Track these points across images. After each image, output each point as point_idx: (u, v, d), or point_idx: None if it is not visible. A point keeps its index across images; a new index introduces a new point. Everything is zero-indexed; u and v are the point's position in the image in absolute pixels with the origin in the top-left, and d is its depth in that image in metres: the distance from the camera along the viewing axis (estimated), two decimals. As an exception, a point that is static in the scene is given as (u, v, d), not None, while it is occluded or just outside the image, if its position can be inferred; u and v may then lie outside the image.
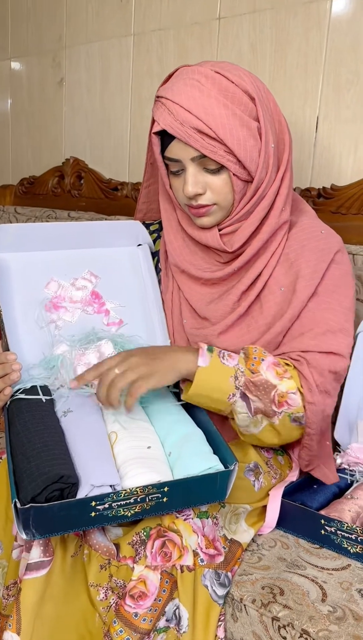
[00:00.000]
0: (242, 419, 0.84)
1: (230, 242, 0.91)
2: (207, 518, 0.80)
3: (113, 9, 1.65)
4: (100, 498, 0.68)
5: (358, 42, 1.22)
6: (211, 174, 0.86)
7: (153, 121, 0.88)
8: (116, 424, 0.81)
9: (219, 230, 0.92)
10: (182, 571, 0.75)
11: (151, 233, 1.05)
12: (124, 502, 0.70)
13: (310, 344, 0.87)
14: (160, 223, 1.05)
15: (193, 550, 0.76)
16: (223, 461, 0.77)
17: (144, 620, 0.72)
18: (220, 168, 0.85)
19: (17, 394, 0.82)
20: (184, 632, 0.75)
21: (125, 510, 0.70)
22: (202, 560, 0.77)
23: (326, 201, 1.29)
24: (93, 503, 0.68)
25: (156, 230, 1.06)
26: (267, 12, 1.35)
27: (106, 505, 0.69)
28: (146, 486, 0.70)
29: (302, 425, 0.87)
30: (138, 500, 0.70)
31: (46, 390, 0.84)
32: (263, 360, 0.84)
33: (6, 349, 0.86)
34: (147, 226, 1.06)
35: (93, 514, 0.69)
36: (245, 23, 1.39)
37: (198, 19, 1.47)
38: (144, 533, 0.75)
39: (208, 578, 0.76)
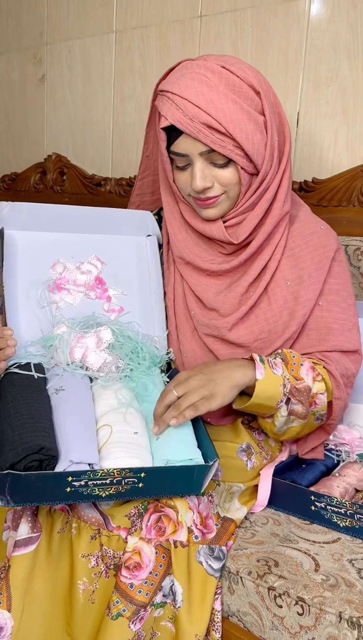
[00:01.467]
0: (281, 421, 0.89)
1: (235, 234, 0.94)
2: (203, 495, 0.83)
3: (95, 5, 1.67)
4: (77, 474, 0.70)
5: (336, 40, 1.27)
6: (219, 168, 0.88)
7: (159, 116, 0.89)
8: (107, 407, 0.83)
9: (224, 222, 0.94)
10: (176, 547, 0.77)
11: None
12: (100, 481, 0.71)
13: (332, 345, 0.93)
14: (158, 213, 1.07)
15: (188, 527, 0.79)
16: (204, 457, 0.79)
17: (139, 592, 0.75)
18: (228, 162, 0.87)
19: (11, 368, 0.84)
20: (179, 606, 0.77)
21: (100, 490, 0.72)
22: (196, 537, 0.79)
23: (308, 194, 1.34)
24: (70, 478, 0.70)
25: (156, 220, 1.08)
26: (248, 10, 1.39)
27: (82, 483, 0.71)
28: (124, 469, 0.72)
29: (322, 422, 0.95)
30: (114, 482, 0.72)
31: (40, 367, 0.86)
32: (302, 365, 0.89)
33: (5, 325, 0.88)
34: None
35: (68, 489, 0.71)
36: (226, 21, 1.43)
37: (180, 16, 1.51)
38: (143, 507, 0.78)
39: (202, 554, 0.79)
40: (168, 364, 0.99)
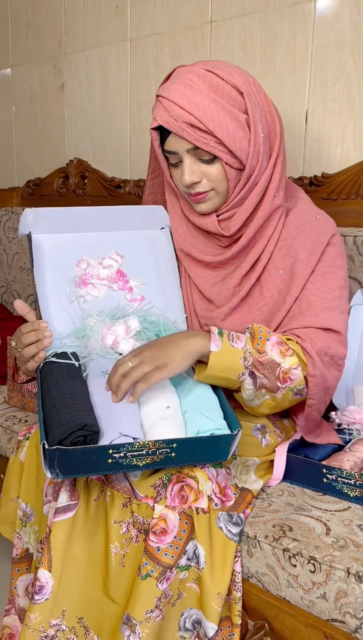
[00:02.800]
0: (248, 394, 0.94)
1: (227, 227, 1.01)
2: (221, 467, 0.92)
3: (109, 16, 1.77)
4: (117, 447, 0.79)
5: (341, 39, 1.34)
6: (206, 164, 0.96)
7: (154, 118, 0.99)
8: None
9: (218, 216, 1.02)
10: (198, 513, 0.86)
11: None
12: (137, 453, 0.80)
13: (310, 321, 0.96)
14: None
15: (208, 496, 0.87)
16: (229, 426, 0.88)
17: (166, 554, 0.83)
18: (213, 158, 0.95)
19: (49, 357, 0.93)
20: (202, 568, 0.86)
21: (138, 460, 0.81)
22: (216, 505, 0.88)
23: (318, 188, 1.41)
24: (111, 451, 0.79)
25: None
26: (256, 14, 1.46)
27: (122, 455, 0.80)
28: (157, 441, 0.81)
29: (304, 397, 0.97)
30: (149, 452, 0.81)
31: (75, 356, 0.95)
32: (268, 340, 0.92)
33: (39, 319, 0.97)
34: None
35: (110, 460, 0.80)
36: (235, 25, 1.50)
37: (191, 23, 1.59)
38: (166, 477, 0.87)
39: (222, 520, 0.88)
40: None
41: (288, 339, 0.95)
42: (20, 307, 0.96)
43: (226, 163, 0.95)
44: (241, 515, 0.89)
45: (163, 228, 1.11)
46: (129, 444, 0.79)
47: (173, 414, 0.89)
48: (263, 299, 1.00)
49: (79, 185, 1.92)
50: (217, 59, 1.55)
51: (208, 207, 1.00)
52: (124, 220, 1.08)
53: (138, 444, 0.80)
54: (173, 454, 0.82)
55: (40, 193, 2.04)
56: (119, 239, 1.07)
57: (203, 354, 0.90)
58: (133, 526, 0.85)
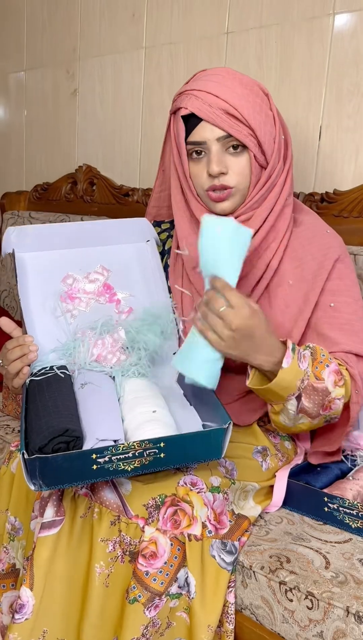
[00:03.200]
0: (287, 414, 0.90)
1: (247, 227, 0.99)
2: (219, 493, 0.88)
3: (125, 23, 1.75)
4: (100, 451, 0.75)
5: (358, 56, 1.31)
6: (233, 156, 0.95)
7: (176, 112, 0.97)
8: (128, 395, 0.89)
9: (236, 217, 0.99)
10: (190, 539, 0.82)
11: (162, 231, 1.14)
12: (123, 456, 0.76)
13: (350, 345, 0.95)
14: (171, 222, 1.13)
15: (202, 522, 0.83)
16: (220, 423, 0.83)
17: (154, 580, 0.79)
18: (242, 149, 0.95)
19: (37, 374, 0.90)
20: (193, 597, 0.82)
21: (125, 464, 0.77)
22: (209, 532, 0.84)
23: (329, 205, 1.38)
24: (94, 456, 0.75)
25: (167, 229, 1.14)
26: (273, 27, 1.44)
27: (106, 459, 0.75)
28: (143, 441, 0.77)
29: (330, 423, 0.95)
30: (136, 454, 0.77)
31: (64, 369, 0.92)
32: (327, 366, 0.89)
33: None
34: (159, 224, 1.15)
35: (95, 466, 0.75)
36: (251, 37, 1.48)
37: (207, 33, 1.57)
38: (160, 499, 0.83)
39: (215, 548, 0.84)
40: None
41: (340, 364, 0.92)
42: (6, 324, 0.94)
43: (254, 155, 0.95)
44: (236, 543, 0.85)
45: (148, 240, 1.10)
46: (113, 446, 0.76)
47: (159, 417, 0.85)
48: (271, 310, 0.98)
49: (87, 192, 1.90)
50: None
51: (228, 206, 0.99)
52: (109, 235, 1.07)
53: (122, 445, 0.76)
54: (162, 455, 0.78)
55: (47, 198, 2.02)
56: (104, 253, 1.06)
57: (272, 369, 0.86)
58: (119, 546, 0.81)
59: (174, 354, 0.96)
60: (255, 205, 0.98)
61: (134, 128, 1.78)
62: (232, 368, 0.98)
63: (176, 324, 1.02)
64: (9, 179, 2.21)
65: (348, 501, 0.92)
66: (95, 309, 1.02)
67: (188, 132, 0.96)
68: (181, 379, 1.01)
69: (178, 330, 1.02)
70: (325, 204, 1.38)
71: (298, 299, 0.98)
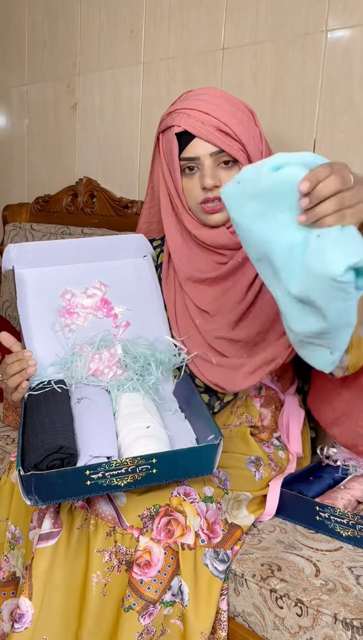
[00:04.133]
0: None
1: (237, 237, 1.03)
2: (212, 503, 0.90)
3: (124, 39, 1.78)
4: (93, 467, 0.78)
5: (351, 72, 1.34)
6: (225, 170, 1.00)
7: (167, 129, 1.01)
8: (123, 410, 0.91)
9: (228, 228, 1.04)
10: (183, 549, 0.84)
11: (154, 248, 1.17)
12: (116, 471, 0.79)
13: None
14: (162, 239, 1.17)
15: (195, 532, 0.86)
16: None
17: (148, 588, 0.82)
18: (233, 163, 1.00)
19: (35, 388, 0.93)
20: (186, 605, 0.84)
21: (118, 480, 0.79)
22: (203, 541, 0.86)
23: (323, 217, 1.40)
24: (87, 472, 0.78)
25: (158, 245, 1.18)
26: (267, 43, 1.47)
27: (100, 475, 0.78)
28: (135, 457, 0.79)
29: None
30: (129, 470, 0.79)
31: (63, 383, 0.95)
32: None
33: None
34: (151, 241, 1.18)
35: (88, 482, 0.78)
36: (247, 53, 1.51)
37: (203, 49, 1.60)
38: (154, 509, 0.85)
39: (208, 557, 0.86)
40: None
41: None
42: (5, 339, 0.97)
43: None
44: (229, 552, 0.88)
45: (145, 256, 1.13)
46: (106, 463, 0.78)
47: (153, 432, 0.87)
48: (269, 306, 1.02)
49: (87, 204, 1.93)
50: (228, 85, 1.56)
51: (221, 218, 1.03)
52: (107, 251, 1.10)
53: (115, 462, 0.78)
54: (154, 470, 0.81)
55: (49, 210, 2.05)
56: (102, 268, 1.09)
57: None
58: (115, 556, 0.84)
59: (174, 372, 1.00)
60: None
61: (133, 141, 1.81)
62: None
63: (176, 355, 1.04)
64: (11, 190, 2.24)
65: (339, 510, 0.94)
66: (93, 323, 1.05)
67: (181, 149, 1.00)
68: (176, 390, 1.04)
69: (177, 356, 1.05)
70: (320, 217, 1.41)
71: None
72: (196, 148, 0.99)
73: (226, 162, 0.99)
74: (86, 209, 1.93)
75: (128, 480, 0.80)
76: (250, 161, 0.99)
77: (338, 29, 1.35)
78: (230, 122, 0.97)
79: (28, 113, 2.15)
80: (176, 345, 1.05)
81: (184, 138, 0.99)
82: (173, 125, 1.00)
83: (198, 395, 0.96)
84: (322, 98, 1.41)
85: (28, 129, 2.16)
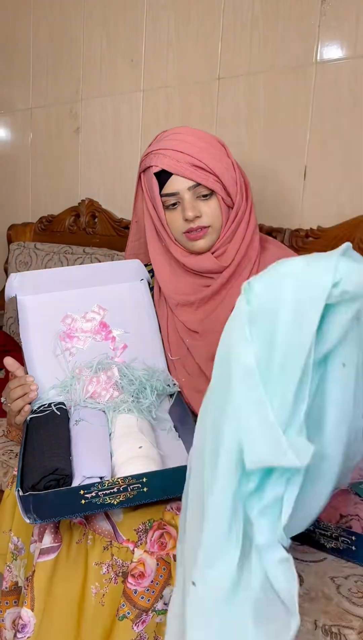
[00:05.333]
0: None
1: (222, 260, 1.11)
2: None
3: (124, 67, 1.86)
4: (87, 487, 0.83)
5: (339, 102, 1.41)
6: (203, 201, 1.07)
7: (146, 170, 1.09)
8: (118, 431, 0.97)
9: (212, 253, 1.11)
10: (175, 560, 0.89)
11: (149, 272, 1.23)
12: (108, 491, 0.83)
13: None
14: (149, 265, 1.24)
15: None
16: None
17: (142, 598, 0.87)
18: (210, 194, 1.07)
19: (37, 411, 0.99)
20: None
21: (111, 498, 0.84)
22: None
23: (314, 241, 1.47)
24: (82, 492, 0.82)
25: (149, 270, 1.24)
26: (260, 74, 1.54)
27: (93, 494, 0.83)
28: (126, 477, 0.84)
29: None
30: (121, 489, 0.84)
31: (62, 404, 1.01)
32: None
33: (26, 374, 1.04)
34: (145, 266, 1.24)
35: (83, 501, 0.83)
36: (241, 83, 1.58)
37: (200, 78, 1.67)
38: (149, 523, 0.91)
39: None
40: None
41: None
42: (10, 364, 1.02)
43: (221, 198, 1.07)
44: (218, 563, 0.93)
45: (141, 280, 1.18)
46: (99, 483, 0.83)
47: (145, 453, 0.92)
48: None
49: (89, 224, 2.00)
50: (223, 113, 1.63)
51: (206, 243, 1.09)
52: (105, 276, 1.16)
53: (107, 482, 0.83)
54: (145, 489, 0.85)
55: (52, 229, 2.12)
56: (101, 293, 1.15)
57: None
58: (112, 568, 0.89)
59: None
60: (227, 240, 1.10)
61: (133, 165, 1.88)
62: None
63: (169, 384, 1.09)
64: (16, 211, 2.32)
65: (323, 523, 0.99)
66: (92, 346, 1.10)
67: (161, 186, 1.07)
68: (172, 410, 1.09)
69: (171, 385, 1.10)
70: (311, 240, 1.47)
71: None
72: (175, 184, 1.06)
73: (204, 195, 1.06)
74: (88, 229, 2.00)
75: (121, 499, 0.85)
76: (226, 190, 1.07)
77: (327, 61, 1.42)
78: (203, 157, 1.04)
79: (32, 136, 2.23)
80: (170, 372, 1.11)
81: (163, 176, 1.06)
82: (152, 166, 1.07)
83: (190, 416, 1.01)
84: (312, 127, 1.47)
85: (32, 151, 2.24)
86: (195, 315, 1.13)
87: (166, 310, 1.18)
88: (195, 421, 1.13)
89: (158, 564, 0.89)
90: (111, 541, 0.90)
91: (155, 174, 1.07)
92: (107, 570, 0.89)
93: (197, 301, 1.12)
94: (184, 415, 1.04)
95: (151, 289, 1.22)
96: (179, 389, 1.11)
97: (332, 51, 1.41)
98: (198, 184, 1.05)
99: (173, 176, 1.05)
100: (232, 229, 1.09)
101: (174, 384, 1.10)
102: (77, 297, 1.13)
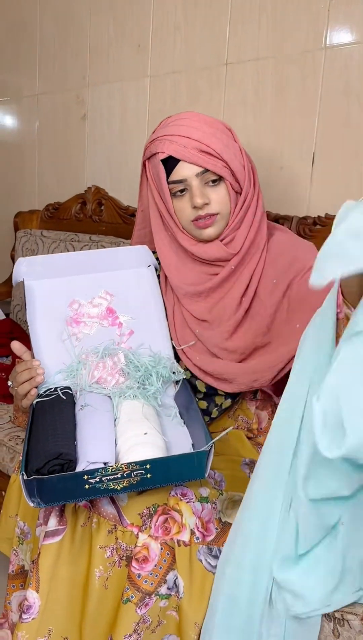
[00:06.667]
0: None
1: (232, 247, 1.10)
2: (207, 503, 0.96)
3: (131, 53, 1.85)
4: (91, 472, 0.83)
5: (348, 88, 1.39)
6: (212, 187, 1.06)
7: (153, 156, 1.07)
8: (124, 417, 0.97)
9: (221, 240, 1.10)
10: (179, 545, 0.90)
11: (156, 259, 1.23)
12: (112, 476, 0.84)
13: None
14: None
15: (191, 529, 0.92)
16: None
17: (146, 582, 0.88)
18: (219, 180, 1.06)
19: (43, 394, 0.99)
20: (181, 597, 0.90)
21: (114, 484, 0.85)
22: (197, 538, 0.92)
23: (321, 228, 1.45)
24: (85, 477, 0.83)
25: (157, 258, 1.24)
26: (269, 59, 1.53)
27: (97, 479, 0.83)
28: (130, 463, 0.85)
29: None
30: (124, 475, 0.84)
31: (68, 389, 1.01)
32: None
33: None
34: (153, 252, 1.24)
35: (87, 486, 0.84)
36: (249, 69, 1.57)
37: (208, 64, 1.66)
38: (153, 508, 0.92)
39: (202, 553, 0.92)
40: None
41: None
42: (17, 348, 1.03)
43: (230, 184, 1.05)
44: (221, 548, 0.93)
45: (149, 266, 1.18)
46: (103, 468, 0.83)
47: (151, 439, 0.93)
48: (264, 309, 1.08)
49: (95, 212, 2.00)
50: (231, 99, 1.61)
51: (214, 231, 1.08)
52: (112, 261, 1.16)
53: (111, 467, 0.83)
54: (149, 475, 0.85)
55: (58, 217, 2.12)
56: (108, 278, 1.15)
57: None
58: (116, 552, 0.90)
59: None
60: (236, 226, 1.09)
61: (140, 152, 1.84)
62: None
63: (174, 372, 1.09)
64: (22, 198, 2.32)
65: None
66: (99, 332, 1.11)
67: (168, 173, 1.06)
68: (178, 396, 1.10)
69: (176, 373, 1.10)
70: (318, 227, 1.46)
71: (280, 293, 1.09)
72: (182, 171, 1.04)
73: (213, 181, 1.05)
74: (94, 216, 2.00)
75: (124, 485, 0.85)
76: (234, 176, 1.06)
77: (336, 46, 1.40)
78: (211, 142, 1.03)
79: (39, 123, 2.22)
80: (178, 358, 1.11)
81: (170, 163, 1.05)
82: (158, 152, 1.05)
83: (195, 403, 1.01)
84: (320, 113, 1.46)
85: (39, 138, 2.23)
86: (203, 304, 1.13)
87: (173, 299, 1.18)
88: (203, 404, 1.13)
89: (161, 549, 0.89)
90: (115, 525, 0.90)
91: (162, 160, 1.06)
92: (112, 553, 0.90)
93: (206, 290, 1.12)
94: (189, 402, 1.04)
95: (158, 276, 1.22)
96: (184, 377, 1.11)
97: (342, 36, 1.39)
98: (206, 170, 1.04)
99: (180, 162, 1.04)
100: (240, 215, 1.08)
101: (180, 372, 1.10)
102: (84, 283, 1.13)
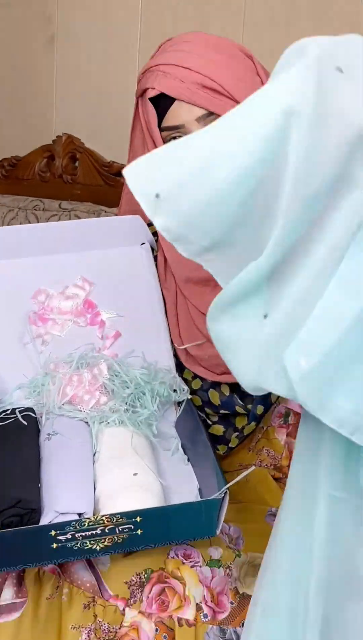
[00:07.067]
0: None
1: None
2: (219, 567, 0.97)
3: None
4: (60, 527, 0.82)
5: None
6: None
7: (137, 103, 1.09)
8: (106, 450, 0.98)
9: None
10: (181, 625, 0.91)
11: (153, 234, 1.23)
12: (89, 532, 0.83)
13: None
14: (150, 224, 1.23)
15: (197, 604, 0.92)
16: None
17: None
18: None
19: None
20: None
21: (92, 543, 0.84)
22: (205, 616, 0.92)
23: None
24: (53, 532, 0.82)
25: (153, 232, 1.24)
26: None
27: (69, 536, 0.83)
28: (115, 515, 0.83)
29: None
30: (106, 531, 0.84)
31: (32, 411, 1.01)
32: None
33: None
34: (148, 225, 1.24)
35: (55, 545, 0.83)
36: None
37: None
38: (145, 575, 0.92)
39: (212, 636, 0.92)
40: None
41: None
42: None
43: None
44: (239, 630, 0.94)
45: (143, 244, 1.17)
46: (77, 521, 0.82)
47: (142, 481, 0.92)
48: None
49: (67, 169, 1.99)
50: (255, 15, 1.62)
51: None
52: (94, 237, 1.14)
53: (88, 520, 0.82)
54: (139, 531, 0.84)
55: (16, 176, 2.11)
56: (86, 260, 1.14)
57: None
58: (95, 634, 0.91)
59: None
60: None
61: (129, 87, 1.86)
62: None
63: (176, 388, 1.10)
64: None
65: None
66: (72, 333, 1.11)
67: (161, 116, 1.06)
68: (179, 423, 1.10)
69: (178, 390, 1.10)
70: None
71: None
72: (179, 113, 1.04)
73: None
74: (65, 175, 1.99)
75: (106, 544, 0.85)
76: None
77: None
78: (218, 75, 1.02)
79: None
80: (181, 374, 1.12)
81: (163, 102, 1.05)
82: (148, 88, 1.06)
83: (203, 432, 1.01)
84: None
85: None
86: (210, 296, 1.13)
87: (175, 288, 1.18)
88: (219, 429, 1.14)
89: (157, 630, 0.90)
90: (94, 597, 0.91)
91: (152, 99, 1.06)
92: (88, 636, 0.90)
93: (211, 278, 1.12)
94: (197, 429, 1.04)
95: (155, 257, 1.22)
96: (189, 396, 1.11)
97: None
98: (211, 113, 1.03)
99: (175, 103, 1.04)
100: None
101: (184, 390, 1.10)
102: (54, 265, 1.12)
